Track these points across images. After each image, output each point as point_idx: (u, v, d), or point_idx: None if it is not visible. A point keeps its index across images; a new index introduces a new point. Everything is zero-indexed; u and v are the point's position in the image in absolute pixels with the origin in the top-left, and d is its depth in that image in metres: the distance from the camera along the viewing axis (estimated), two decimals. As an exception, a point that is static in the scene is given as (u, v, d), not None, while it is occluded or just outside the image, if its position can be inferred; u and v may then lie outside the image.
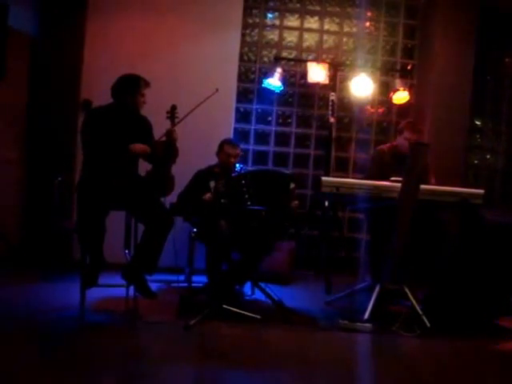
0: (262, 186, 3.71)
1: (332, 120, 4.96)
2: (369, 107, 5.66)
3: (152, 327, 3.36)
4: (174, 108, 3.76)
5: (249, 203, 3.59)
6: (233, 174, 3.91)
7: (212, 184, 3.69)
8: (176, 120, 3.75)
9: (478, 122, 5.90)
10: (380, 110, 5.70)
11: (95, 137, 3.50)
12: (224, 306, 3.49)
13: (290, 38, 5.65)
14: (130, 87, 3.59)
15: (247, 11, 5.50)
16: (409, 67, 5.78)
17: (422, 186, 3.64)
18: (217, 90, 3.86)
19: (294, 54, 5.66)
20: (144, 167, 3.80)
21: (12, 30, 4.50)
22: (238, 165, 4.35)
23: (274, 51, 5.60)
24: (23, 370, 2.53)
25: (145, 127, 3.73)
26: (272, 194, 3.72)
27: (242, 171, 4.11)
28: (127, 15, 5.06)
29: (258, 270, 3.91)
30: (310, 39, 5.67)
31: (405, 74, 5.59)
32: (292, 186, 3.83)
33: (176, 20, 5.13)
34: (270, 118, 5.62)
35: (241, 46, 5.39)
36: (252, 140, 5.57)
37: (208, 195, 3.83)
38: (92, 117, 3.63)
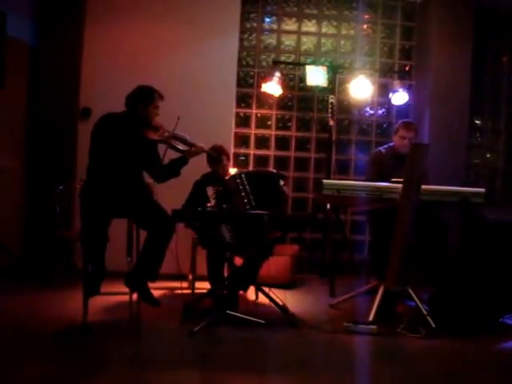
0: (256, 187, 3.74)
1: (332, 123, 4.95)
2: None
3: (156, 334, 3.35)
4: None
5: (252, 199, 3.64)
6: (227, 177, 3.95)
7: (210, 191, 3.70)
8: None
9: (477, 122, 5.90)
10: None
11: (100, 143, 3.53)
12: (228, 312, 3.49)
13: (288, 41, 5.66)
14: (143, 98, 3.62)
15: (245, 16, 5.52)
16: (407, 68, 5.79)
17: (423, 186, 3.64)
18: (178, 118, 3.59)
19: (292, 58, 5.67)
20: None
21: (10, 38, 4.52)
22: (231, 170, 4.36)
23: (273, 55, 5.62)
24: (27, 379, 2.53)
25: (150, 139, 3.70)
26: (265, 194, 3.74)
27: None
28: (125, 22, 5.07)
29: (259, 274, 3.90)
30: (308, 42, 5.68)
31: (403, 75, 5.60)
32: (282, 183, 3.89)
33: (174, 26, 5.14)
34: (269, 122, 5.62)
35: (239, 51, 5.40)
36: (252, 144, 5.58)
37: (212, 204, 3.82)
38: (101, 122, 3.62)
